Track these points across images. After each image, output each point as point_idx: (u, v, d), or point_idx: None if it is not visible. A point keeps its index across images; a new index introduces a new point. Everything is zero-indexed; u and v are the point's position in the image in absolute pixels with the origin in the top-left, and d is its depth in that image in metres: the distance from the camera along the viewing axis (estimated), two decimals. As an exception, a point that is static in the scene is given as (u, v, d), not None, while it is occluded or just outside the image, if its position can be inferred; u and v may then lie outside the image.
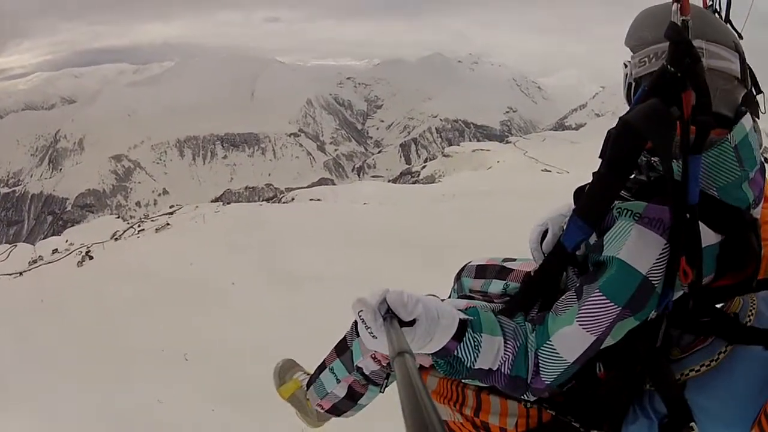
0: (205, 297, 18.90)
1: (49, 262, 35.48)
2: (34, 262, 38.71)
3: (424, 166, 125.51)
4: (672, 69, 1.63)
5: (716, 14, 2.47)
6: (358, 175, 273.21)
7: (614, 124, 1.63)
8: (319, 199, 53.97)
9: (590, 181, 1.91)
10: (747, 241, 1.85)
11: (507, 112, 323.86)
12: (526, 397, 1.93)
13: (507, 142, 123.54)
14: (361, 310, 1.61)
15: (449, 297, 3.07)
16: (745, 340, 1.74)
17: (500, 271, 2.69)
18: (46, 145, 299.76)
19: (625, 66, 2.11)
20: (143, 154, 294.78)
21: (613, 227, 1.80)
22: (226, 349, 15.04)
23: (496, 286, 2.63)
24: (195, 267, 21.99)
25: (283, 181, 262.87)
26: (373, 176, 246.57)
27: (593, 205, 1.84)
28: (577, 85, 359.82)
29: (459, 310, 1.83)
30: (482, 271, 2.79)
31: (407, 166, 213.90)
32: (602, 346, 1.78)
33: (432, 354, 1.76)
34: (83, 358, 16.40)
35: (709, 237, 1.77)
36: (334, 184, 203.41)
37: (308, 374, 3.11)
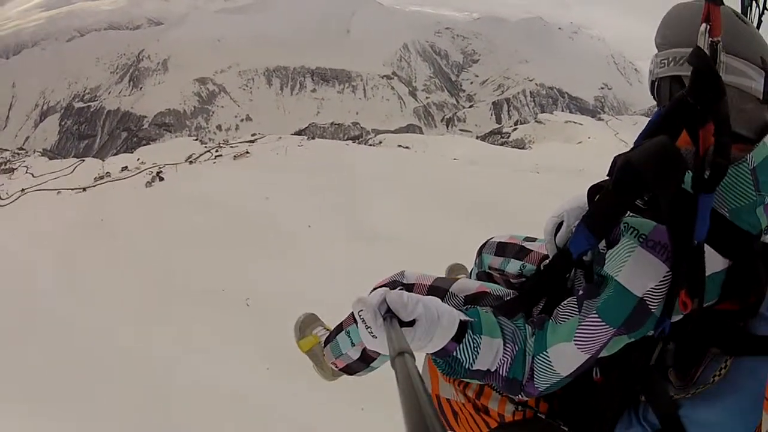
0: (276, 237, 18.17)
1: (117, 180, 35.37)
2: (101, 178, 39.09)
3: (515, 129, 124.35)
4: (691, 101, 1.53)
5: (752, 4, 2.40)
6: (447, 127, 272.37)
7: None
8: (407, 147, 52.92)
9: (605, 183, 1.87)
10: (754, 270, 1.79)
11: (602, 88, 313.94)
12: (520, 398, 2.05)
13: (599, 119, 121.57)
14: (361, 310, 1.59)
15: (470, 271, 3.31)
16: (746, 349, 1.75)
17: (519, 250, 2.78)
18: (128, 63, 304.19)
19: (651, 62, 2.06)
20: (229, 79, 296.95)
21: (618, 245, 1.79)
22: (292, 299, 14.05)
23: (513, 266, 2.75)
24: (270, 203, 21.21)
25: (371, 121, 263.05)
26: (461, 129, 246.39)
27: (600, 219, 1.78)
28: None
29: (460, 309, 1.83)
30: (502, 249, 2.88)
31: (497, 126, 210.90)
32: (597, 358, 1.83)
33: (431, 354, 1.78)
34: (133, 289, 15.87)
35: (716, 263, 1.73)
36: (422, 133, 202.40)
37: (328, 330, 3.22)
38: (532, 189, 21.84)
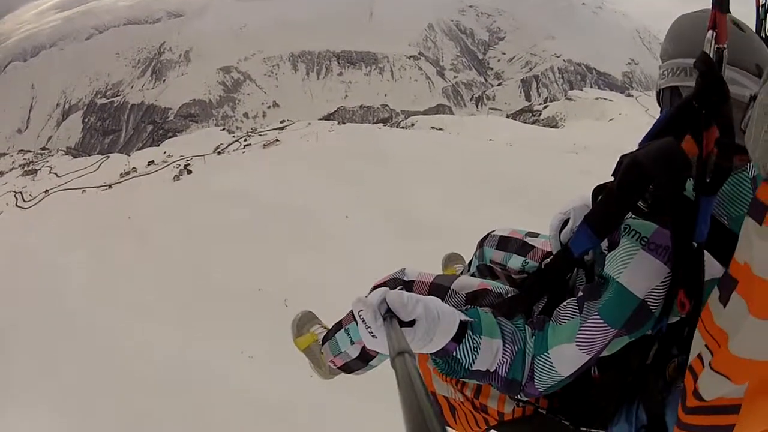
0: (313, 230, 17.57)
1: (143, 175, 34.82)
2: (127, 174, 38.72)
3: (546, 106, 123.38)
4: (696, 104, 1.55)
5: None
6: (477, 106, 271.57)
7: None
8: (441, 129, 51.95)
9: (610, 183, 1.86)
10: None
11: (629, 63, 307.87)
12: (519, 398, 2.06)
13: (629, 95, 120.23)
14: (361, 310, 1.61)
15: (469, 263, 3.35)
16: None
17: (522, 246, 2.83)
18: (149, 57, 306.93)
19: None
20: (254, 67, 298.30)
21: (619, 247, 1.81)
22: (332, 300, 13.19)
23: (515, 261, 2.81)
24: (304, 193, 20.58)
25: (400, 103, 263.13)
26: (491, 108, 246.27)
27: (603, 218, 1.80)
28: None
29: (461, 308, 1.86)
30: (505, 243, 2.93)
31: (528, 103, 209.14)
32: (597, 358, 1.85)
33: (431, 354, 1.79)
34: (165, 291, 15.34)
35: (715, 268, 1.69)
36: (452, 113, 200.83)
37: (325, 328, 3.29)
38: (572, 170, 21.02)
